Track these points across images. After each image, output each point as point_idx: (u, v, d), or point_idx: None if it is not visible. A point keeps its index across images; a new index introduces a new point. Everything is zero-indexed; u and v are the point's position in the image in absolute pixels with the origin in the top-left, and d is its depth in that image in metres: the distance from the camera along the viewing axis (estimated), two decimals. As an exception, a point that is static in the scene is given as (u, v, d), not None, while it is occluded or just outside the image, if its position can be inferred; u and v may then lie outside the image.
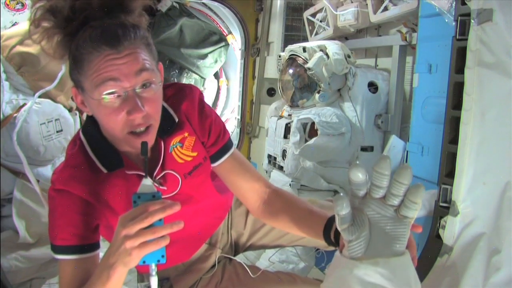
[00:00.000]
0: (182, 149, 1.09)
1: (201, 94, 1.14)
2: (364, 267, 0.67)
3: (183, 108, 1.08)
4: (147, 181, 0.83)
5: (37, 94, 2.12)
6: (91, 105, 0.93)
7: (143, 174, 1.01)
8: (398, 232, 0.68)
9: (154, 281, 0.83)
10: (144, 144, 0.86)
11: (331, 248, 1.02)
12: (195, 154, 1.11)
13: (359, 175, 0.67)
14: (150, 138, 0.96)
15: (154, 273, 0.83)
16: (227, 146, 1.15)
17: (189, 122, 1.09)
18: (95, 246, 1.01)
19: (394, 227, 0.68)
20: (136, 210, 0.79)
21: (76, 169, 0.99)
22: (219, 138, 1.14)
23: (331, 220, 0.98)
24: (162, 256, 0.82)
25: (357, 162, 0.68)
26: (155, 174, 1.05)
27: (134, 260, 0.78)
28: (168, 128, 1.04)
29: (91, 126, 1.02)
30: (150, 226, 0.77)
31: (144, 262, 0.81)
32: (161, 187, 1.06)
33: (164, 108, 1.03)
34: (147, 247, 0.77)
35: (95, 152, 1.01)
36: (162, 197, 0.84)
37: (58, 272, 0.99)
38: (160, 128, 0.99)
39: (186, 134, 1.09)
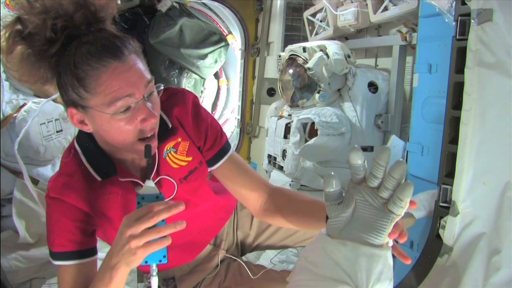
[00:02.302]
0: (176, 154, 1.09)
1: (195, 98, 1.13)
2: (334, 244, 0.69)
3: (175, 114, 1.08)
4: (150, 183, 0.84)
5: (48, 99, 2.14)
6: (101, 121, 0.90)
7: (137, 181, 1.02)
8: (378, 224, 0.68)
9: (154, 281, 0.84)
10: (148, 146, 0.90)
11: None
12: (189, 159, 1.11)
13: (357, 159, 0.70)
14: (156, 142, 0.98)
15: (154, 273, 0.84)
16: (225, 149, 1.15)
17: (182, 127, 1.09)
18: (93, 251, 1.01)
19: (376, 218, 0.69)
20: (141, 211, 0.80)
21: (70, 177, 1.00)
22: (216, 141, 1.13)
23: None
24: (164, 257, 0.83)
25: (356, 146, 0.71)
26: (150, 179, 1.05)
27: (138, 259, 0.79)
28: (161, 133, 1.03)
29: (84, 136, 1.02)
30: (153, 227, 0.79)
31: (146, 262, 0.82)
32: None
33: None
34: (151, 247, 0.78)
35: (89, 160, 1.01)
36: None
37: (58, 279, 0.99)
38: None
39: (179, 139, 1.09)
